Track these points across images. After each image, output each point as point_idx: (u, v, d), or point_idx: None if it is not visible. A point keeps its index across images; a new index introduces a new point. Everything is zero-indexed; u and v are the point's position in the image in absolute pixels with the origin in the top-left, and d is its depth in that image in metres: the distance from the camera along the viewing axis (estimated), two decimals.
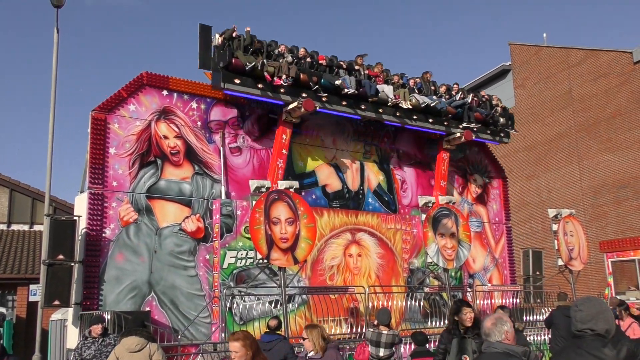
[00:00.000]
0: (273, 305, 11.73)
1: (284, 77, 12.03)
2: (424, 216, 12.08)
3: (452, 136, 15.39)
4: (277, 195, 10.24)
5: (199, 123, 12.85)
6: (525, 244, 23.04)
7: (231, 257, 12.11)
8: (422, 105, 14.26)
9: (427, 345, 8.12)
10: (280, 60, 12.35)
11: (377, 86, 13.69)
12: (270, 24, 79.36)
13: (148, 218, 11.90)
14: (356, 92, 13.03)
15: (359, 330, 12.16)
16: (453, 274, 14.76)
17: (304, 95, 12.59)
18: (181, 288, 11.92)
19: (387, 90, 13.79)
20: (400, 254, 14.64)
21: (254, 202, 10.08)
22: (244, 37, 12.35)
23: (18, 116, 61.06)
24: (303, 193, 12.93)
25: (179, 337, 11.07)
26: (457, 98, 15.38)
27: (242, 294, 11.69)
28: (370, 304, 12.64)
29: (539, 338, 12.90)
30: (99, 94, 70.44)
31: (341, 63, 13.70)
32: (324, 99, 12.93)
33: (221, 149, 12.99)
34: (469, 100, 15.54)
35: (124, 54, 71.99)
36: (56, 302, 10.58)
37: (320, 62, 13.31)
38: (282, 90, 12.43)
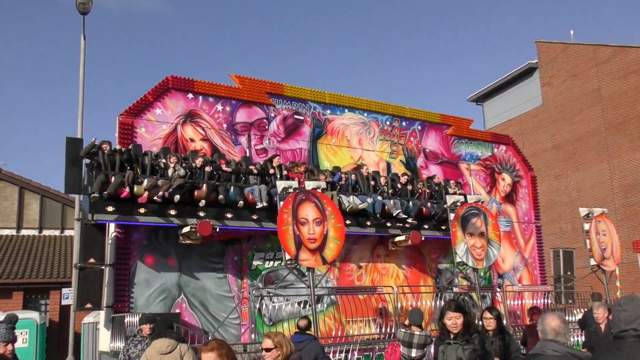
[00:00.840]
0: (302, 306, 11.70)
1: (160, 192, 10.11)
2: (452, 215, 11.93)
3: (396, 239, 13.46)
4: (305, 196, 10.22)
5: (224, 125, 12.91)
6: (554, 244, 22.66)
7: (259, 259, 12.12)
8: (359, 208, 12.29)
9: None
10: (170, 174, 10.52)
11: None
12: (294, 23, 79.71)
13: None
14: (266, 205, 11.09)
15: (388, 330, 12.06)
16: (482, 274, 14.58)
17: (201, 214, 10.88)
18: (210, 290, 11.97)
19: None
20: (428, 253, 14.50)
21: (281, 203, 10.07)
22: (121, 150, 10.61)
23: (48, 123, 62.19)
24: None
25: (209, 338, 11.10)
26: (406, 191, 13.43)
27: (271, 294, 11.68)
28: (399, 304, 12.55)
29: (572, 339, 12.65)
30: (126, 99, 71.55)
31: (251, 168, 11.72)
32: (228, 215, 11.17)
33: (247, 150, 13.03)
34: (419, 196, 13.52)
35: (150, 59, 72.92)
36: (88, 305, 10.68)
37: (225, 170, 11.34)
38: (172, 213, 10.67)
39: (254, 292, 11.50)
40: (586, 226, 14.42)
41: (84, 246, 10.66)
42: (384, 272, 13.65)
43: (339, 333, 11.66)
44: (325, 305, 11.76)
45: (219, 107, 12.97)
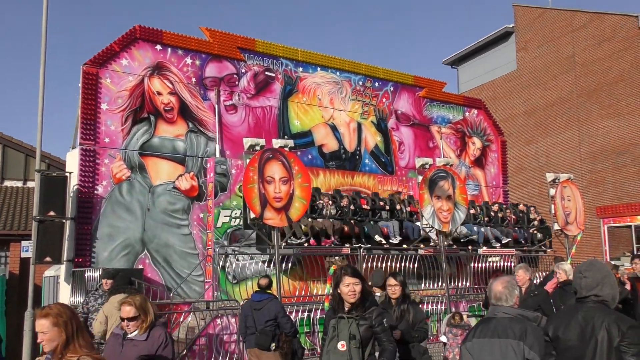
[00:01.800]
0: (267, 264, 11.66)
1: (332, 239, 11.72)
2: (420, 178, 11.90)
3: (489, 258, 14.62)
4: (272, 154, 10.05)
5: (193, 79, 12.59)
6: None
7: (225, 216, 11.99)
8: (462, 240, 13.90)
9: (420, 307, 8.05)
10: (325, 213, 11.94)
11: (419, 225, 12.78)
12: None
13: (141, 175, 11.75)
14: (400, 239, 12.71)
15: None
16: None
17: (347, 246, 11.96)
18: (174, 246, 11.85)
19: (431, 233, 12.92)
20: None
21: (247, 161, 9.90)
22: None
23: (10, 70, 60.34)
24: (299, 152, 12.76)
25: (172, 295, 11.03)
26: (497, 219, 15.01)
27: (236, 253, 11.61)
28: (364, 265, 12.59)
29: None
30: (92, 47, 69.62)
31: (382, 204, 13.14)
32: (366, 246, 12.28)
33: (216, 106, 12.77)
34: (508, 223, 15.15)
35: (118, 5, 70.76)
36: (47, 259, 10.53)
37: (363, 207, 12.76)
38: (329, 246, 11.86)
39: (218, 249, 11.41)
40: (552, 191, 14.59)
41: (44, 198, 10.42)
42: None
43: (303, 292, 11.69)
44: (290, 265, 11.73)
45: (188, 61, 12.62)
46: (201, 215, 12.19)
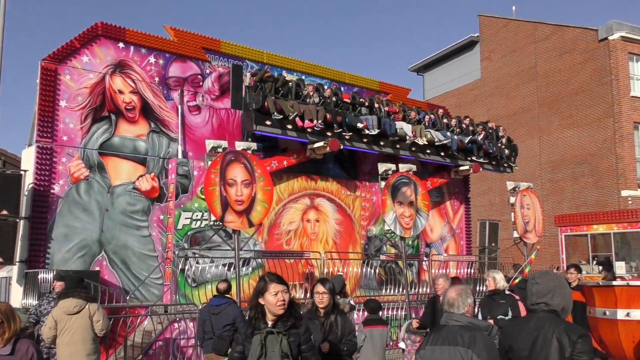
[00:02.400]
0: (227, 268, 11.53)
1: (315, 122, 12.41)
2: (383, 183, 11.94)
3: (460, 167, 16.13)
4: (234, 156, 9.94)
5: (156, 79, 12.40)
6: (483, 216, 23.27)
7: (186, 218, 11.82)
8: (437, 143, 14.95)
9: (380, 313, 8.05)
10: (308, 101, 12.74)
11: (396, 123, 14.22)
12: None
13: (100, 175, 11.50)
14: (378, 131, 13.55)
15: None
16: (410, 242, 14.77)
17: (329, 134, 12.84)
18: (133, 248, 11.63)
19: (405, 128, 14.33)
20: (358, 220, 14.57)
21: (209, 163, 9.77)
22: (274, 77, 12.60)
23: None
24: (261, 155, 12.66)
25: (128, 298, 10.82)
26: (467, 131, 16.13)
27: (196, 256, 11.45)
28: (326, 270, 12.58)
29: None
30: (51, 43, 68.09)
31: (362, 100, 14.17)
32: (347, 137, 13.24)
33: (179, 106, 12.59)
34: (480, 137, 16.26)
35: (80, 0, 69.46)
36: None
37: (344, 100, 13.69)
38: (309, 130, 12.64)
39: (178, 252, 11.24)
40: (512, 199, 14.82)
41: None
42: (314, 237, 13.62)
43: None
44: (250, 269, 11.63)
45: (152, 60, 12.42)
46: (161, 217, 11.99)
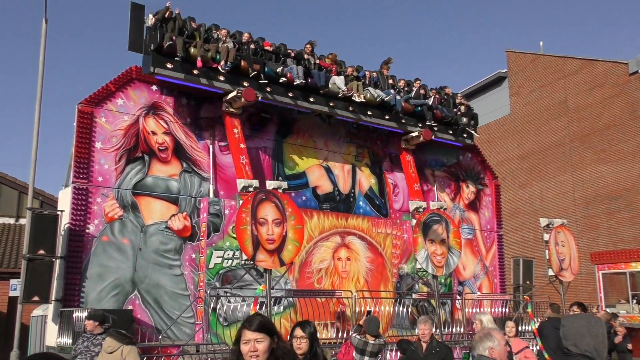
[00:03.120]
0: (259, 307, 11.49)
1: (222, 63, 11.27)
2: (414, 221, 11.87)
3: (409, 135, 14.91)
4: (265, 196, 10.02)
5: (188, 120, 12.63)
6: (516, 253, 22.92)
7: (217, 257, 11.88)
8: (377, 100, 13.54)
9: None
10: (220, 45, 11.62)
11: (330, 77, 13.03)
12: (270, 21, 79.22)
13: (133, 215, 11.67)
14: (303, 82, 12.35)
15: (345, 335, 11.94)
16: (442, 280, 14.57)
17: (245, 84, 11.97)
18: (165, 287, 11.69)
19: (338, 81, 13.00)
20: (390, 259, 14.45)
21: (240, 202, 9.86)
22: (179, 18, 11.67)
23: (6, 108, 60.62)
24: (293, 194, 12.74)
25: (160, 337, 10.83)
26: (418, 95, 14.82)
27: (228, 294, 11.46)
28: (358, 309, 12.44)
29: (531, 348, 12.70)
30: (88, 88, 70.20)
31: (289, 51, 12.98)
32: (267, 89, 12.29)
33: (210, 146, 12.77)
34: (430, 100, 14.98)
35: (114, 47, 71.64)
36: (35, 298, 10.34)
37: (265, 48, 12.54)
38: (220, 78, 11.84)
39: (210, 291, 11.26)
40: (546, 236, 14.54)
41: (34, 236, 10.30)
42: (345, 275, 13.54)
43: None
44: (282, 308, 11.58)
45: (184, 101, 12.68)
46: (193, 255, 12.07)
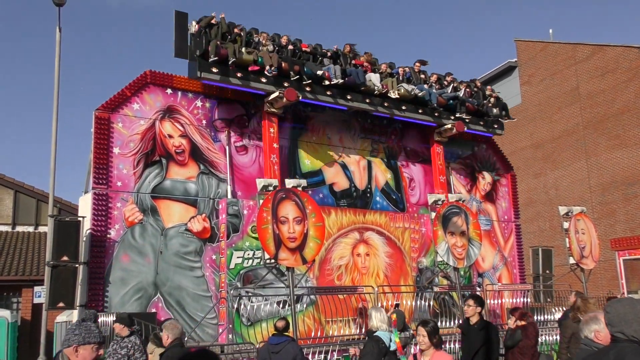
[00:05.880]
0: (281, 306, 11.53)
1: (267, 67, 11.65)
2: (433, 214, 11.85)
3: (443, 127, 15.14)
4: (285, 194, 10.05)
5: (204, 122, 12.69)
6: (532, 243, 22.80)
7: (238, 257, 11.92)
8: (412, 95, 13.86)
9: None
10: (261, 49, 11.96)
11: (365, 75, 13.34)
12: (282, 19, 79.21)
13: (153, 218, 11.74)
14: (342, 81, 12.69)
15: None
16: (462, 273, 14.53)
17: (285, 84, 12.29)
18: (187, 289, 11.76)
19: (374, 79, 13.28)
20: (408, 253, 14.43)
21: (260, 201, 9.89)
22: (223, 23, 12.02)
23: (22, 117, 61.08)
24: (310, 192, 12.74)
25: (185, 339, 10.88)
26: (449, 89, 15.11)
27: (250, 294, 11.50)
28: (379, 304, 12.44)
29: (550, 338, 12.65)
30: (103, 94, 70.53)
31: (325, 51, 13.35)
32: (307, 89, 12.62)
33: (227, 147, 12.82)
34: (461, 93, 15.23)
35: (128, 52, 71.94)
36: (60, 304, 10.43)
37: (303, 49, 12.90)
38: (263, 80, 12.14)
39: (232, 291, 11.31)
40: (565, 225, 14.47)
41: (57, 243, 10.38)
42: (364, 271, 13.54)
43: (319, 333, 11.53)
44: (304, 305, 11.61)
45: (199, 103, 12.73)
46: (214, 257, 12.12)
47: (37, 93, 61.74)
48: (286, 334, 7.84)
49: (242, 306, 11.25)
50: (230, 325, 11.08)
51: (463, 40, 79.78)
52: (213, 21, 11.85)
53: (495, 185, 17.64)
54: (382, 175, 15.17)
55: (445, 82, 15.24)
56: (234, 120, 13.07)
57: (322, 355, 10.01)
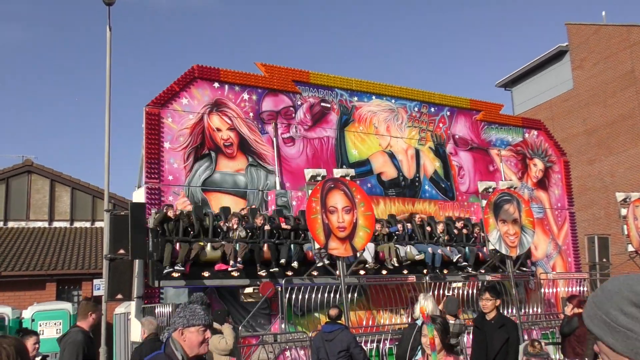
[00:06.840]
0: (332, 295, 11.56)
1: (231, 262, 10.29)
2: (484, 202, 11.64)
3: (453, 285, 12.88)
4: (333, 184, 10.06)
5: (251, 114, 12.80)
6: (587, 231, 22.15)
7: None
8: (415, 258, 12.10)
9: None
10: (231, 235, 10.55)
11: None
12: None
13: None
14: (328, 262, 10.68)
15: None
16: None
17: (262, 274, 10.69)
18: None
19: (370, 249, 11.15)
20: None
21: (309, 192, 9.93)
22: (184, 214, 10.56)
23: (76, 116, 63.01)
24: (358, 182, 12.71)
25: (239, 329, 11.04)
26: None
27: (300, 284, 11.56)
28: (430, 293, 12.32)
29: None
30: (153, 89, 72.11)
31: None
32: (289, 273, 11.02)
33: (274, 139, 12.91)
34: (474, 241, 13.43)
35: (176, 49, 73.29)
36: (119, 296, 10.72)
37: (283, 227, 11.14)
38: (234, 275, 10.58)
39: (283, 281, 11.40)
40: (623, 211, 14.01)
41: (113, 237, 10.66)
42: None
43: (370, 323, 11.51)
44: (355, 295, 11.61)
45: (245, 96, 12.86)
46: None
47: (90, 91, 63.55)
48: (339, 322, 7.88)
49: (293, 296, 11.33)
50: (283, 315, 11.17)
51: (512, 24, 77.98)
52: (170, 213, 10.33)
53: (548, 172, 17.22)
54: (431, 163, 15.01)
55: (456, 230, 13.27)
56: (281, 112, 13.15)
57: (375, 344, 10.01)
